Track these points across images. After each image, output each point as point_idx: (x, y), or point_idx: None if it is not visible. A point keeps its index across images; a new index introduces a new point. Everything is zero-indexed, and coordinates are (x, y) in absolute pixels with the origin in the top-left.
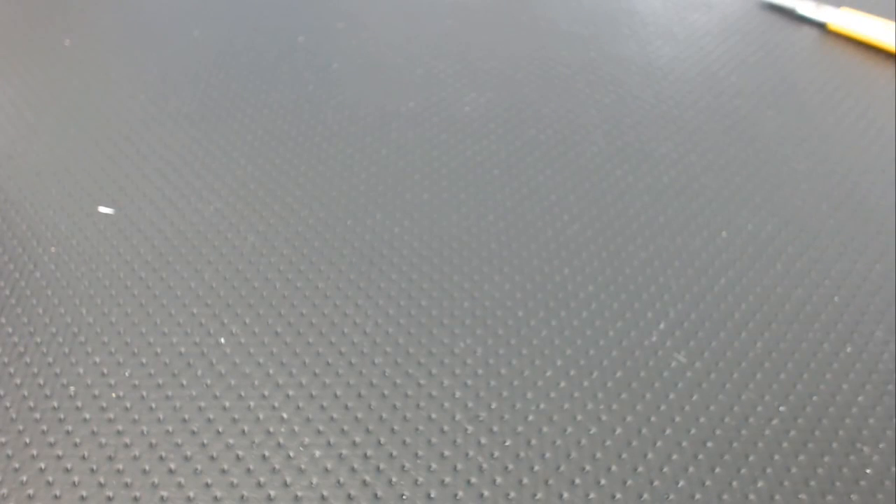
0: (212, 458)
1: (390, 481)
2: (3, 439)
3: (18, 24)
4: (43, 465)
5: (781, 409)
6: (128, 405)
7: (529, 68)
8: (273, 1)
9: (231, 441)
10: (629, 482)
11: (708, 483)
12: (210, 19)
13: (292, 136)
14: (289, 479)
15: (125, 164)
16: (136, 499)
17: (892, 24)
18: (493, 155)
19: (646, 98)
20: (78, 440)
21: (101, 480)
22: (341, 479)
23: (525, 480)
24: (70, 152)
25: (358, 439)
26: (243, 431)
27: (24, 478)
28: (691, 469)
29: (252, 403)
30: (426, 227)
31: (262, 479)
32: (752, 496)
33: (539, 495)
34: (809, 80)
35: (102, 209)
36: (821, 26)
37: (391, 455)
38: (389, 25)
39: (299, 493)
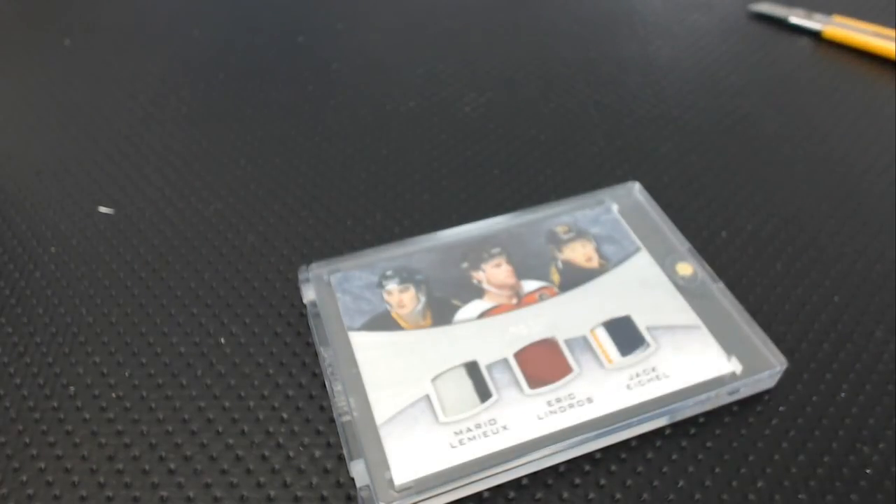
0: (212, 458)
1: None
2: (3, 439)
3: (18, 24)
4: (43, 465)
5: (781, 408)
6: (128, 405)
7: (529, 68)
8: (273, 1)
9: (231, 441)
10: (629, 482)
11: (708, 483)
12: (210, 19)
13: (292, 136)
14: (288, 480)
15: (125, 164)
16: (136, 499)
17: (882, 29)
18: (493, 155)
19: (646, 98)
20: (78, 440)
21: (101, 480)
22: (341, 480)
23: (525, 482)
24: (70, 152)
25: None
26: (243, 431)
27: (24, 478)
28: (692, 469)
29: (252, 403)
30: (426, 227)
31: (262, 479)
32: (752, 496)
33: (539, 495)
34: (808, 80)
35: (102, 209)
36: (816, 34)
37: None
38: (389, 25)
39: (299, 494)
